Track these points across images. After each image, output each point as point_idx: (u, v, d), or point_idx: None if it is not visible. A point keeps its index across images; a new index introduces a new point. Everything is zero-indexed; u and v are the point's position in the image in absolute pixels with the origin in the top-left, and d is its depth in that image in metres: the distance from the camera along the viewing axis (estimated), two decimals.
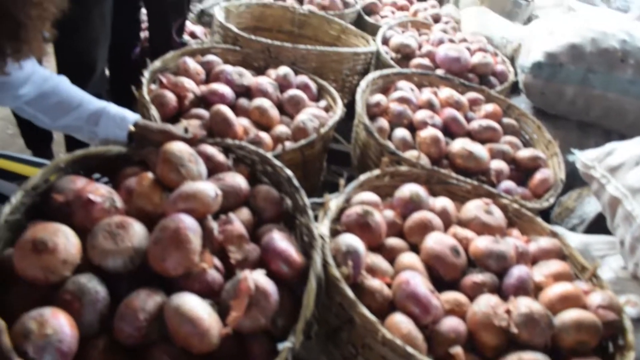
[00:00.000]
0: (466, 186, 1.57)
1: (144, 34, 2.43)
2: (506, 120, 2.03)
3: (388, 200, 1.48)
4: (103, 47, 1.83)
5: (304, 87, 1.91)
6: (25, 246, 0.96)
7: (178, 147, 1.15)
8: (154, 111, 1.54)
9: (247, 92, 1.80)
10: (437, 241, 1.29)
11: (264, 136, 1.59)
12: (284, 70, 1.89)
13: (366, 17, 3.07)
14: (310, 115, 1.70)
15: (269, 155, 1.28)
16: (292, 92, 1.82)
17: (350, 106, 2.05)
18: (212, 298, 1.01)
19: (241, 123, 1.62)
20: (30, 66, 1.23)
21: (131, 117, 1.30)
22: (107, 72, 2.21)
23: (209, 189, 1.08)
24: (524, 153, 1.86)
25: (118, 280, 1.01)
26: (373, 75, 1.96)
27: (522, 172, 1.85)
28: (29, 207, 1.11)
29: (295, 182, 1.22)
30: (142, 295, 0.96)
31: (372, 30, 2.93)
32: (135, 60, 2.29)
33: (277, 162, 1.26)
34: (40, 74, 1.27)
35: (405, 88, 1.98)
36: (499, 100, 2.11)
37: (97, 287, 0.97)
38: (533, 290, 1.27)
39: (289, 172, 1.24)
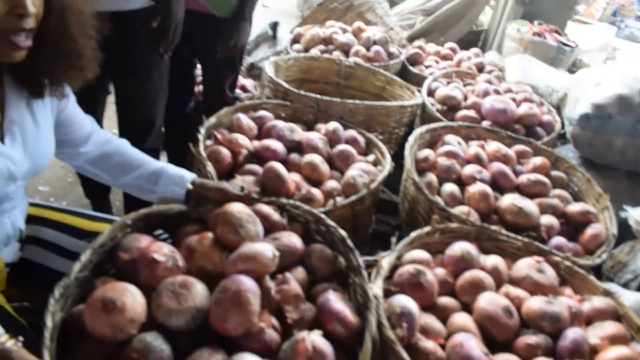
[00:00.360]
0: (517, 243, 1.56)
1: (197, 88, 2.54)
2: (555, 173, 2.03)
3: (439, 257, 1.50)
4: (161, 105, 1.93)
5: (353, 142, 1.95)
6: (96, 305, 1.01)
7: (237, 209, 1.20)
8: (210, 168, 1.60)
9: (298, 146, 1.85)
10: (489, 301, 1.29)
11: (315, 192, 1.63)
12: (333, 125, 1.95)
13: (410, 68, 3.12)
14: (360, 170, 1.74)
15: (323, 215, 1.32)
16: (342, 147, 1.87)
17: (396, 156, 2.09)
18: (271, 357, 1.03)
19: (293, 179, 1.67)
20: (89, 126, 1.32)
21: (189, 176, 1.36)
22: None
23: (267, 250, 1.12)
24: (574, 208, 1.85)
25: (181, 338, 1.05)
26: (420, 130, 1.99)
27: (573, 226, 1.84)
28: (97, 264, 1.17)
29: (349, 242, 1.25)
30: (204, 354, 0.99)
31: (417, 80, 2.99)
32: (189, 114, 2.39)
33: (331, 222, 1.29)
34: (100, 135, 1.36)
35: (452, 142, 2.00)
36: (546, 153, 2.11)
37: (162, 345, 1.01)
38: (588, 353, 1.25)
39: (343, 233, 1.27)
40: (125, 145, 1.38)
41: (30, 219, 1.29)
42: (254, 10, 2.14)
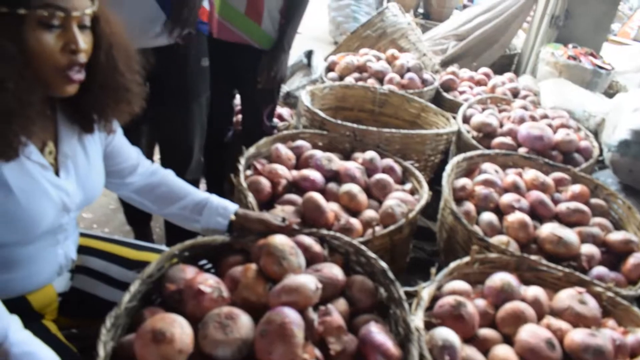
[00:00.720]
0: (557, 273, 1.55)
1: (235, 118, 2.60)
2: (594, 200, 2.01)
3: (478, 287, 1.49)
4: (201, 137, 1.98)
5: (390, 170, 1.97)
6: (146, 336, 1.04)
7: (279, 241, 1.23)
8: (251, 198, 1.64)
9: (335, 176, 1.88)
10: (531, 334, 1.29)
11: (354, 222, 1.65)
12: (370, 154, 1.97)
13: (444, 94, 3.14)
14: (398, 200, 1.76)
15: (363, 246, 1.34)
16: (379, 176, 1.89)
17: (431, 183, 2.10)
18: None
19: (331, 208, 1.69)
20: (135, 157, 1.38)
21: (231, 207, 1.40)
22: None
23: (309, 282, 1.14)
24: (616, 236, 1.82)
25: None
26: (457, 158, 2.01)
27: (614, 255, 1.81)
28: (144, 294, 1.21)
29: (390, 274, 1.26)
30: None
31: (451, 106, 3.01)
32: (228, 143, 2.44)
33: (371, 254, 1.31)
34: (146, 166, 1.41)
35: (489, 170, 2.01)
36: (585, 180, 2.09)
37: None
38: None
39: (384, 265, 1.28)
40: (170, 176, 1.43)
41: (80, 249, 1.34)
42: (292, 41, 2.19)
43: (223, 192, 2.57)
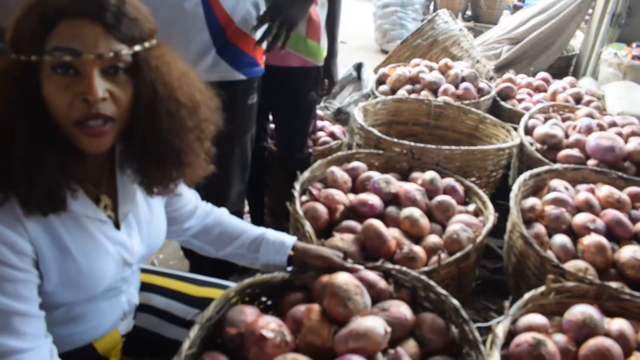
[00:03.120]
0: None
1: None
2: None
3: (556, 320, 1.38)
4: (242, 173, 1.90)
5: (451, 191, 1.88)
6: None
7: (344, 280, 1.16)
8: (308, 227, 1.58)
9: (394, 199, 1.80)
10: None
11: (418, 250, 1.56)
12: (430, 174, 1.88)
13: (502, 103, 3.01)
14: (462, 224, 1.66)
15: (432, 282, 1.26)
16: (441, 198, 1.80)
17: (492, 197, 1.98)
18: None
19: (392, 235, 1.61)
20: (194, 201, 1.33)
21: (289, 241, 1.34)
22: None
23: (378, 326, 1.07)
24: None
25: None
26: (524, 176, 1.89)
27: None
28: (204, 338, 1.17)
29: (464, 313, 1.17)
30: None
31: (509, 115, 2.89)
32: (266, 168, 2.42)
33: (442, 291, 1.23)
34: (202, 207, 1.36)
35: (559, 187, 1.88)
36: None
37: None
38: None
39: (456, 302, 1.20)
40: (225, 215, 1.38)
41: (141, 286, 1.31)
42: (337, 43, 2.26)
43: (262, 214, 2.53)
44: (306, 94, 2.16)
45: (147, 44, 0.90)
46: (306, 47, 2.05)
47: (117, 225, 1.05)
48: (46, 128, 0.85)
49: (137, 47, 0.88)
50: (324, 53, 2.15)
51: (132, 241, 1.08)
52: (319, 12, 2.07)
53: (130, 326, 1.26)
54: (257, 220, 2.46)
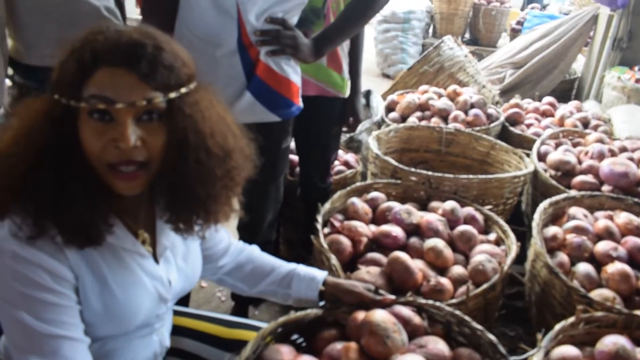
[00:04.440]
0: None
1: None
2: None
3: (586, 350, 1.39)
4: (274, 209, 1.92)
5: (472, 220, 1.89)
6: None
7: (382, 318, 1.17)
8: (334, 260, 1.58)
9: (416, 229, 1.81)
10: None
11: (445, 282, 1.57)
12: (450, 204, 1.89)
13: (511, 128, 3.04)
14: (487, 254, 1.67)
15: (467, 317, 1.26)
16: (462, 228, 1.81)
17: (508, 223, 2.00)
18: None
19: (418, 266, 1.62)
20: (227, 239, 1.33)
21: (320, 276, 1.34)
22: None
23: None
24: None
25: None
26: (544, 205, 1.91)
27: None
28: None
29: (501, 348, 1.18)
30: None
31: (519, 141, 2.92)
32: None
33: (478, 326, 1.23)
34: (235, 245, 1.37)
35: (578, 215, 1.90)
36: None
37: None
38: None
39: (492, 337, 1.20)
40: (256, 252, 1.39)
41: (173, 329, 1.30)
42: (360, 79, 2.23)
43: (278, 243, 2.52)
44: (329, 126, 2.15)
45: (183, 90, 0.91)
46: (327, 76, 2.04)
47: (155, 260, 1.06)
48: (77, 168, 0.86)
49: (172, 95, 0.88)
50: (348, 86, 2.14)
51: (170, 276, 1.08)
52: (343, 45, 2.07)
53: None
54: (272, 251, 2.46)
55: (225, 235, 1.33)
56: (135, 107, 0.85)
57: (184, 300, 1.85)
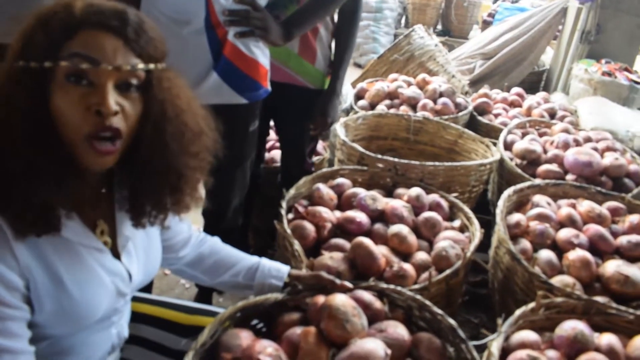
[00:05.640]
0: (628, 316, 1.45)
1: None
2: None
3: (546, 336, 1.39)
4: (240, 195, 1.89)
5: (437, 207, 1.88)
6: None
7: (342, 302, 1.15)
8: (297, 246, 1.56)
9: (381, 215, 1.80)
10: None
11: (408, 268, 1.56)
12: (415, 191, 1.89)
13: (479, 118, 3.05)
14: (450, 240, 1.67)
15: (428, 301, 1.25)
16: (427, 214, 1.80)
17: (474, 211, 1.99)
18: None
19: (382, 252, 1.61)
20: (187, 230, 1.30)
21: (284, 269, 1.32)
22: None
23: (378, 348, 1.06)
24: None
25: None
26: (508, 192, 1.91)
27: None
28: None
29: (460, 332, 1.17)
30: None
31: (487, 130, 2.93)
32: (258, 181, 2.35)
33: (438, 310, 1.23)
34: (196, 236, 1.33)
35: (542, 203, 1.91)
36: None
37: None
38: None
39: (452, 322, 1.20)
40: (218, 244, 1.36)
41: (132, 316, 1.26)
42: (343, 84, 2.11)
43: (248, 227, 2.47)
44: (299, 116, 2.09)
45: (160, 65, 0.90)
46: (298, 64, 2.00)
47: (114, 252, 1.02)
48: (50, 142, 0.81)
49: (152, 65, 0.87)
50: (326, 81, 2.07)
51: (132, 269, 1.04)
52: (322, 36, 2.02)
53: (117, 359, 1.21)
54: (241, 241, 2.42)
55: (186, 226, 1.29)
56: (120, 71, 0.83)
57: (146, 287, 1.81)
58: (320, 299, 1.21)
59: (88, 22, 0.81)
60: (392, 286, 1.31)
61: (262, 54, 1.60)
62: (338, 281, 1.28)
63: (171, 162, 0.93)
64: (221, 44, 1.50)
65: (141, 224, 1.00)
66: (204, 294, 2.19)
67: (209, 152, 1.01)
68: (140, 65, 0.85)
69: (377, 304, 1.25)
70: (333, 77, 2.03)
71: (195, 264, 1.32)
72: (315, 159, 2.49)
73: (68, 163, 0.84)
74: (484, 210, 2.44)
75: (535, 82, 4.64)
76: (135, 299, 1.31)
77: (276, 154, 2.52)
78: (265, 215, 2.43)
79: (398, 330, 1.18)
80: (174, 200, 0.99)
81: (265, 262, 1.32)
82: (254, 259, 1.32)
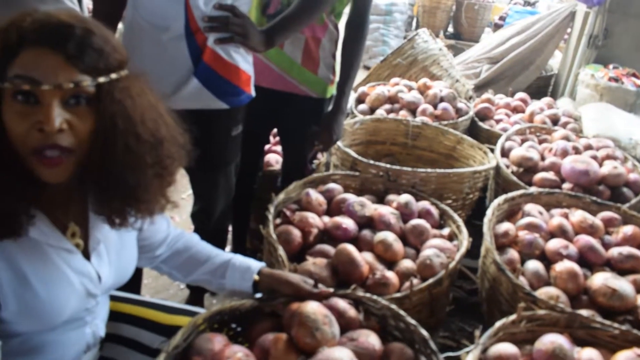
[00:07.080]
0: (613, 331, 1.43)
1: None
2: None
3: (526, 349, 1.38)
4: (226, 198, 1.89)
5: (426, 214, 1.87)
6: None
7: (312, 309, 1.15)
8: (281, 251, 1.56)
9: (369, 222, 1.79)
10: None
11: (390, 275, 1.55)
12: (405, 197, 1.88)
13: (480, 123, 3.03)
14: (436, 249, 1.66)
15: (402, 312, 1.24)
16: (415, 222, 1.79)
17: (469, 218, 1.97)
18: None
19: (365, 258, 1.60)
20: (165, 228, 1.30)
21: (255, 266, 1.31)
22: None
23: (345, 357, 1.06)
24: None
25: None
26: (498, 201, 1.90)
27: None
28: None
29: (432, 344, 1.16)
30: None
31: (487, 136, 2.90)
32: (255, 187, 2.36)
33: (412, 321, 1.22)
34: (173, 234, 1.33)
35: (533, 212, 1.89)
36: (637, 220, 1.95)
37: None
38: None
39: (425, 333, 1.19)
40: (193, 239, 1.36)
41: (111, 315, 1.27)
42: (348, 101, 2.09)
43: (245, 242, 2.48)
44: (301, 124, 2.07)
45: (113, 75, 0.88)
46: (300, 74, 1.99)
47: (85, 254, 1.02)
48: (4, 156, 0.83)
49: (101, 79, 0.86)
50: (329, 90, 2.05)
51: (101, 271, 1.05)
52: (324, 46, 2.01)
53: (95, 357, 1.22)
54: (238, 244, 2.43)
55: (165, 224, 1.30)
56: (62, 90, 0.82)
57: (134, 287, 1.82)
58: (295, 306, 1.21)
59: (29, 40, 0.81)
60: (368, 294, 1.31)
61: (243, 60, 1.60)
62: (316, 290, 1.27)
63: (124, 174, 0.91)
64: (200, 50, 1.51)
65: (113, 225, 1.00)
66: (196, 294, 2.20)
67: (174, 157, 1.00)
68: (86, 82, 0.84)
69: (352, 312, 1.25)
70: (339, 93, 2.00)
71: (169, 261, 1.33)
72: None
73: (27, 174, 0.85)
74: (482, 218, 2.42)
75: (543, 87, 4.60)
76: (116, 299, 1.32)
77: (271, 157, 2.51)
78: (263, 219, 2.43)
79: (369, 339, 1.17)
80: (136, 208, 0.99)
81: (237, 259, 1.31)
82: (225, 257, 1.32)
